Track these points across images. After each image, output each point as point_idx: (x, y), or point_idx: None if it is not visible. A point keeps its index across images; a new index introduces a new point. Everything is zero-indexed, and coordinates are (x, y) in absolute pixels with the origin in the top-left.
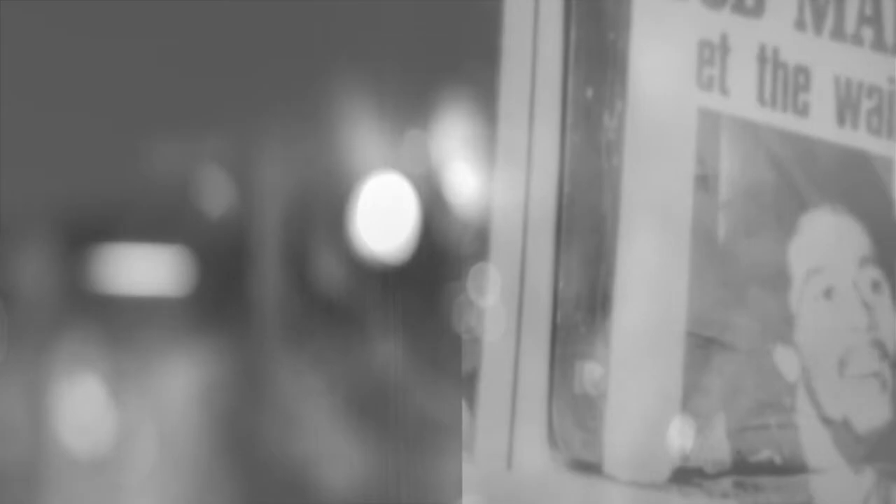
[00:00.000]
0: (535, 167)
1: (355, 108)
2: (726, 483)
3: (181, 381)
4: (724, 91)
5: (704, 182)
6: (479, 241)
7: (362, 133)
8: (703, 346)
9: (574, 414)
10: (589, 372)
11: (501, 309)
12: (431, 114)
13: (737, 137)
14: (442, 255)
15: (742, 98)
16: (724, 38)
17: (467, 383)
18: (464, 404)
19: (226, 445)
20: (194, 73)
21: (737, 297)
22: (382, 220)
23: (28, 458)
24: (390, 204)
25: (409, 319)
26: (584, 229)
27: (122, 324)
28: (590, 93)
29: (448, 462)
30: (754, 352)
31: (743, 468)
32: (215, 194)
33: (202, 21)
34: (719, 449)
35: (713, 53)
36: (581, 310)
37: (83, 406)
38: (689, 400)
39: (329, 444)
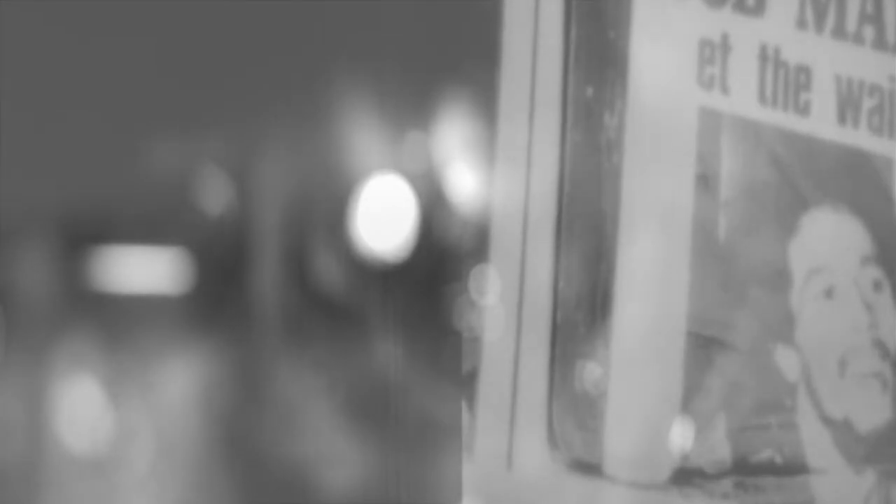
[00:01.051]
0: (535, 166)
1: (355, 108)
2: (727, 483)
3: (180, 381)
4: (724, 90)
5: (705, 181)
6: (479, 241)
7: (362, 133)
8: (703, 345)
9: (574, 414)
10: (589, 372)
11: (501, 309)
12: (431, 114)
13: (738, 136)
14: (442, 255)
15: (743, 97)
16: (724, 37)
17: (467, 383)
18: (464, 404)
19: (225, 446)
20: (194, 73)
21: (737, 297)
22: (382, 220)
23: (27, 458)
24: (390, 204)
25: (409, 319)
26: (585, 229)
27: (121, 324)
28: (590, 92)
29: (448, 462)
30: (755, 351)
31: (743, 468)
32: (215, 194)
33: (202, 21)
34: (720, 449)
35: (714, 52)
36: (581, 310)
37: (82, 407)
38: (690, 400)
39: (329, 445)
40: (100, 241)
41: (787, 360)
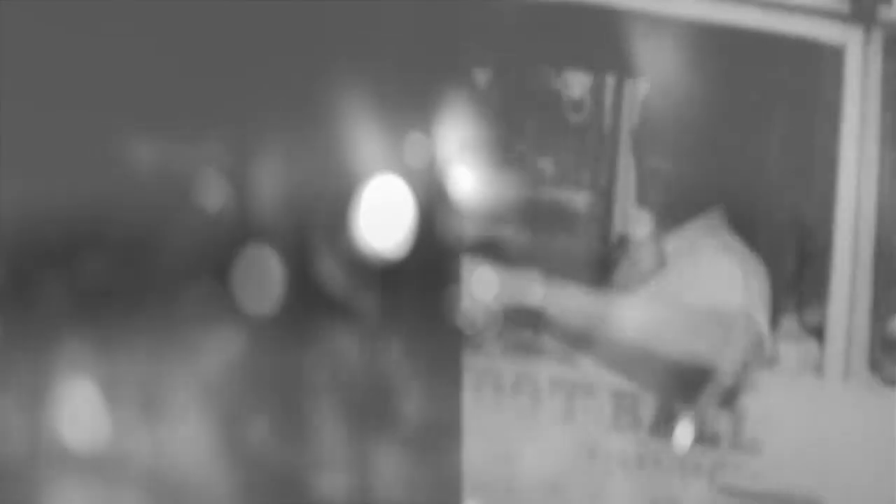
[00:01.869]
0: (863, 188)
1: (355, 108)
2: None
3: (178, 381)
4: None
5: None
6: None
7: (362, 133)
8: None
9: (886, 347)
10: (894, 322)
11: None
12: (432, 114)
13: None
14: (442, 253)
15: None
16: None
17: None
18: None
19: (224, 445)
20: (195, 73)
21: None
22: (383, 219)
23: (26, 458)
24: (391, 203)
25: (410, 319)
26: (888, 235)
27: (122, 323)
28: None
29: (448, 462)
30: None
31: None
32: (216, 194)
33: (202, 21)
34: None
35: None
36: (891, 282)
37: (82, 407)
38: None
39: (329, 444)
40: (102, 241)
41: None
